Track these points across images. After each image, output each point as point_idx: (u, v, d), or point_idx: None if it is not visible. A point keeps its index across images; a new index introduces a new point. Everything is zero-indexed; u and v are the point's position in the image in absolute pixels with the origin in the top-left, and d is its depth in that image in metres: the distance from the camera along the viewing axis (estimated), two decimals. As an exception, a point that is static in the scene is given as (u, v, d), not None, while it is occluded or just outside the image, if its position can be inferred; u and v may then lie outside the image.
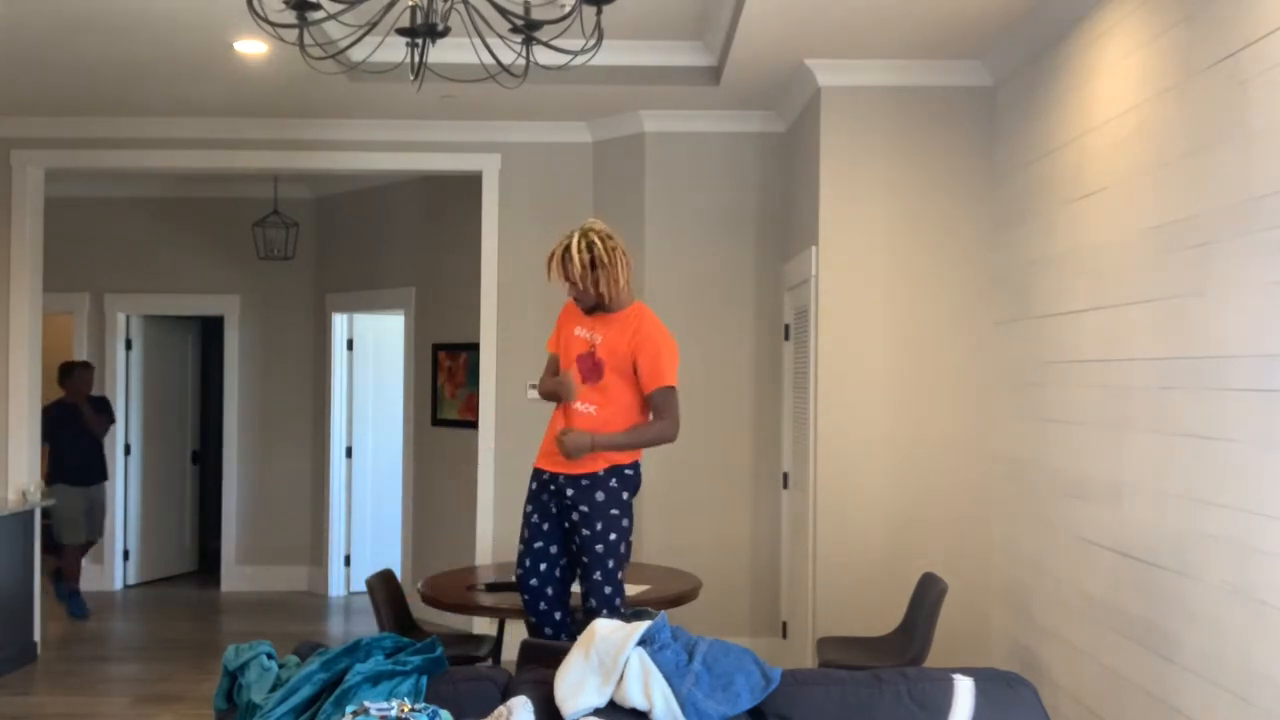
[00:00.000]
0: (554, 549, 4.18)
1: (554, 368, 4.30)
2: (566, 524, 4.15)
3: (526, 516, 4.23)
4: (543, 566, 4.16)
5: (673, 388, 4.11)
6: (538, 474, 4.22)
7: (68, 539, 8.01)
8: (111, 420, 8.49)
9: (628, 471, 4.14)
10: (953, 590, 4.81)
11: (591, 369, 4.11)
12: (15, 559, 6.60)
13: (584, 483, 4.08)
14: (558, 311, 4.36)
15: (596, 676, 2.89)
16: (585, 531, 4.06)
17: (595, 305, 4.13)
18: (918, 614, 4.74)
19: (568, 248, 4.02)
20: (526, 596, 4.20)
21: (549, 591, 4.17)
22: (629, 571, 5.29)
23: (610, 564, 4.06)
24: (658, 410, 4.12)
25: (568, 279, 4.04)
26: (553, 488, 4.15)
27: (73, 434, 8.07)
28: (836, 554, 5.46)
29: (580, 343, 4.15)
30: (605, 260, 4.00)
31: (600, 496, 4.08)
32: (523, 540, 4.23)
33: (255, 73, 5.77)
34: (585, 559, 4.07)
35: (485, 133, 6.82)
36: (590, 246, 4.00)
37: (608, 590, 4.06)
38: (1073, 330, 4.43)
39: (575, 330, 4.19)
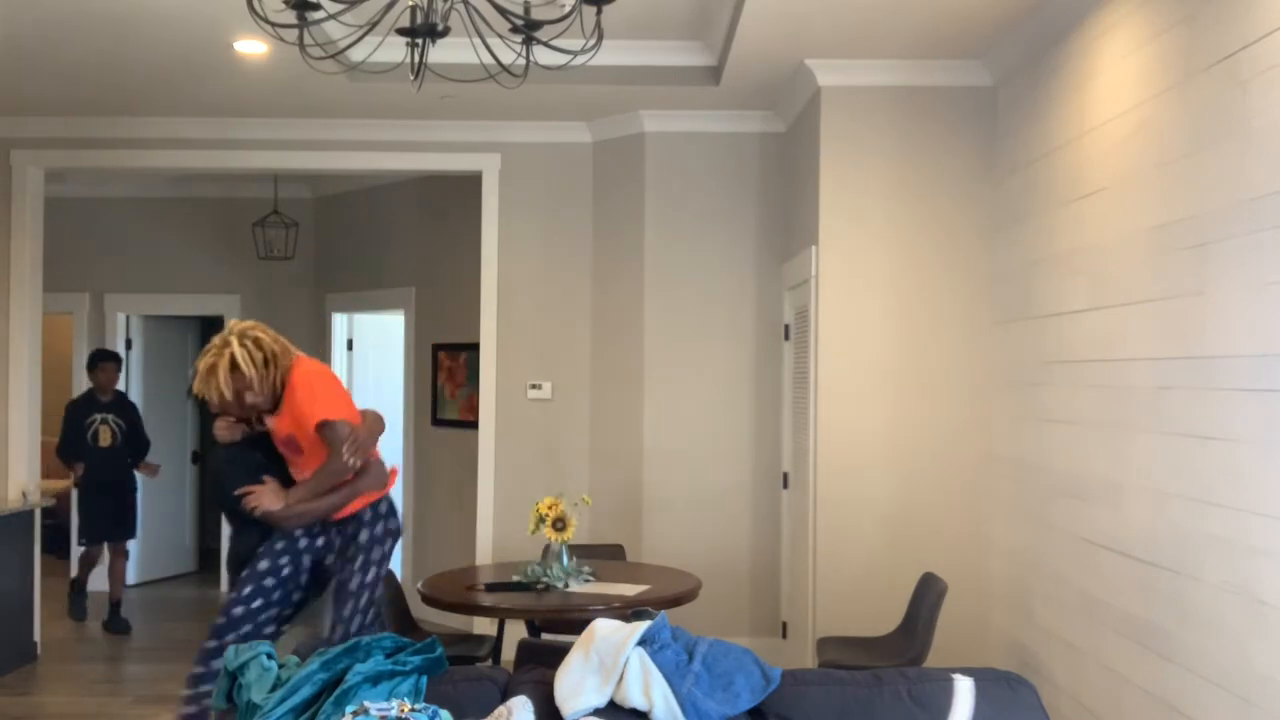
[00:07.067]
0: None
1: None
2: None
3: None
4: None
5: (329, 421, 3.81)
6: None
7: None
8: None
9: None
10: (953, 590, 4.81)
11: (290, 447, 4.00)
12: (15, 559, 6.60)
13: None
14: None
15: (596, 676, 2.89)
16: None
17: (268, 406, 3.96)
18: (918, 614, 4.74)
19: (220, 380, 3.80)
20: None
21: None
22: (629, 571, 5.30)
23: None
24: (326, 446, 3.88)
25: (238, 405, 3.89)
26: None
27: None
28: (836, 554, 5.46)
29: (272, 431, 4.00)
30: (251, 376, 3.79)
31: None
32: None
33: (255, 73, 5.77)
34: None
35: (485, 133, 6.82)
36: (224, 385, 3.78)
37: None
38: (1072, 330, 4.42)
39: (266, 420, 4.00)
